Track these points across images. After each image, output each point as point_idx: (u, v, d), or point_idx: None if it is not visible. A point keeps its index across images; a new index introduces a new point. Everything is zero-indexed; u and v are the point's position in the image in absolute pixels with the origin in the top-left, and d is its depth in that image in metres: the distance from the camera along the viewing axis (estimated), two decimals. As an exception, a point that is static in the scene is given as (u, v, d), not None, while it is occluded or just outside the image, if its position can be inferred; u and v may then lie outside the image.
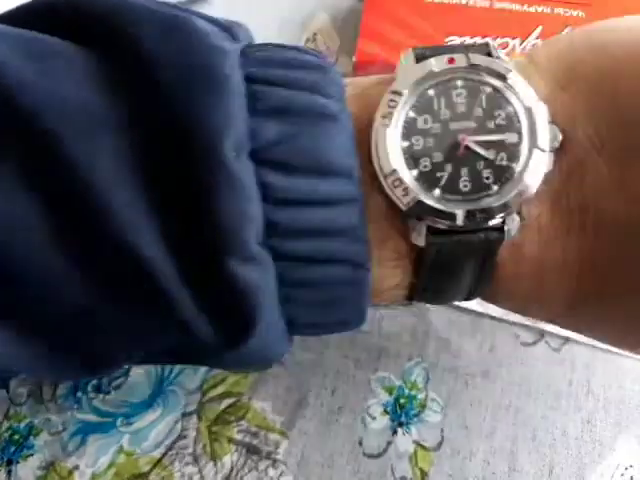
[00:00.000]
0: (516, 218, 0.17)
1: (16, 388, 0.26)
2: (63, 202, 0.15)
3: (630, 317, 0.18)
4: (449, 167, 0.17)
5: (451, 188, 0.17)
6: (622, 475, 0.24)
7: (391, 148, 0.17)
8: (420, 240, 0.17)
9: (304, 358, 0.26)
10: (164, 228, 0.16)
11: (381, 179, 0.17)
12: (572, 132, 0.17)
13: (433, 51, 0.18)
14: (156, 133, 0.16)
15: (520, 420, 0.25)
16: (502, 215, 0.17)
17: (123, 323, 0.17)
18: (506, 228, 0.17)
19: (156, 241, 0.16)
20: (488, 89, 0.17)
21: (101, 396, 0.26)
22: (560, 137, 0.17)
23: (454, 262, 0.18)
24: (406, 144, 0.17)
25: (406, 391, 0.25)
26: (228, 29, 0.18)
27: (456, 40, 0.28)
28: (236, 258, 0.15)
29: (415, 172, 0.17)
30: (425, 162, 0.17)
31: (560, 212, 0.17)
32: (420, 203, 0.17)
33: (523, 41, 0.28)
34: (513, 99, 0.17)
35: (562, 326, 0.20)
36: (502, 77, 0.17)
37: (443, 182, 0.17)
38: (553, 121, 0.17)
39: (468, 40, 0.28)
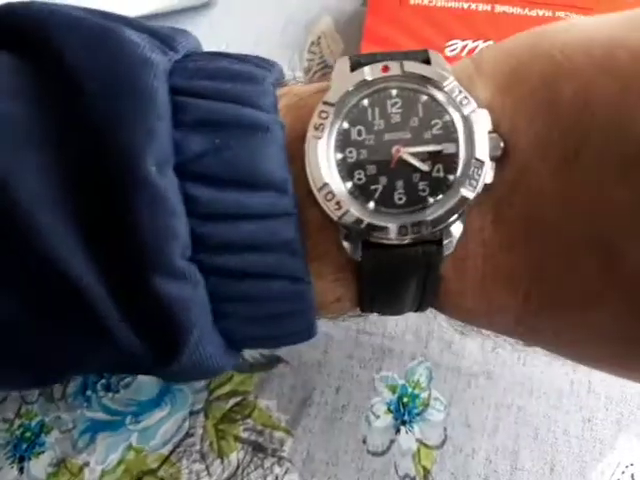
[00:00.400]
0: (455, 231, 0.16)
1: (27, 387, 0.27)
2: None
3: (582, 332, 0.17)
4: (383, 179, 0.16)
5: (386, 201, 0.16)
6: (623, 473, 0.24)
7: (323, 160, 0.16)
8: (356, 254, 0.16)
9: (309, 357, 0.26)
10: (89, 245, 0.15)
11: (315, 192, 0.16)
12: (515, 140, 0.16)
13: (368, 59, 0.17)
14: (80, 147, 0.16)
15: (522, 419, 0.25)
16: (439, 228, 0.16)
17: (55, 340, 0.17)
18: (445, 242, 0.16)
19: (82, 257, 0.15)
20: (424, 98, 0.17)
21: (110, 395, 0.26)
22: (502, 145, 0.16)
23: (394, 276, 0.17)
24: (340, 156, 0.16)
25: (409, 390, 0.26)
26: (164, 39, 0.17)
27: (458, 44, 0.28)
28: (161, 274, 0.15)
29: (349, 185, 0.16)
30: (359, 175, 0.16)
31: (504, 225, 0.16)
32: (353, 217, 0.16)
33: (525, 45, 0.29)
34: (450, 107, 0.16)
35: (518, 340, 0.19)
36: (438, 85, 0.17)
37: (377, 195, 0.16)
38: (495, 128, 0.16)
39: (470, 44, 0.28)
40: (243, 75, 0.17)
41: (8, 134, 0.15)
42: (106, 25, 0.17)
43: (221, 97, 0.16)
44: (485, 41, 0.28)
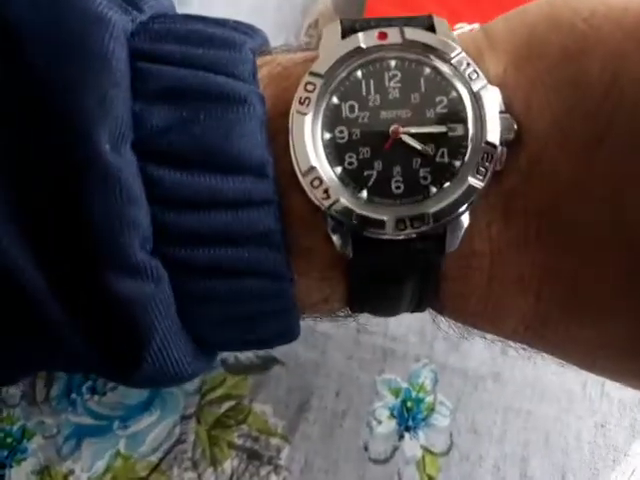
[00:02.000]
0: (460, 226, 0.15)
1: (8, 389, 0.25)
2: None
3: (598, 340, 0.16)
4: (379, 165, 0.15)
5: (381, 190, 0.15)
6: (638, 481, 0.24)
7: (310, 140, 0.15)
8: (346, 250, 0.15)
9: (306, 359, 0.26)
10: (32, 235, 0.14)
11: (299, 177, 0.15)
12: (529, 122, 0.15)
13: (363, 24, 0.16)
14: (20, 120, 0.14)
15: (532, 424, 0.24)
16: (442, 223, 0.15)
17: (3, 344, 0.16)
18: (447, 238, 0.15)
19: (23, 250, 0.14)
20: (427, 70, 0.15)
21: (96, 398, 0.25)
22: (515, 127, 0.15)
23: (387, 275, 0.16)
24: (328, 136, 0.15)
25: (413, 394, 0.25)
26: None
27: (465, 28, 0.27)
28: (116, 270, 0.14)
29: (339, 170, 0.15)
30: (350, 158, 0.15)
31: (515, 219, 0.15)
32: (343, 207, 0.15)
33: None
34: (457, 82, 0.15)
35: (524, 345, 0.18)
36: (444, 56, 0.15)
37: (371, 182, 0.15)
38: (507, 108, 0.15)
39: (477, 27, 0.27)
40: (218, 39, 0.16)
41: None
42: None
43: (190, 63, 0.15)
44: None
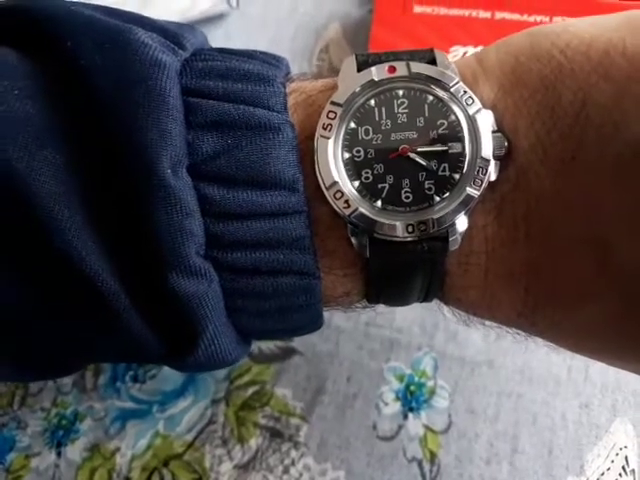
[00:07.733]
0: (460, 228, 0.17)
1: (62, 379, 0.28)
2: (6, 220, 0.15)
3: (580, 324, 0.17)
4: (390, 178, 0.17)
5: (393, 199, 0.17)
6: (617, 455, 0.26)
7: (332, 159, 0.16)
8: (364, 251, 0.17)
9: (322, 349, 0.28)
10: (107, 242, 0.16)
11: (324, 190, 0.17)
12: (516, 140, 0.16)
13: (375, 59, 0.18)
14: (95, 148, 0.16)
15: (522, 405, 0.26)
16: (445, 226, 0.16)
17: (70, 333, 0.17)
18: (450, 239, 0.16)
19: (99, 254, 0.16)
20: (430, 98, 0.17)
21: (138, 385, 0.28)
22: (505, 145, 0.16)
23: (400, 271, 0.18)
24: (347, 155, 0.17)
25: (416, 379, 0.27)
26: (174, 37, 0.18)
27: (460, 50, 0.30)
28: (177, 272, 0.16)
29: (357, 183, 0.17)
30: (367, 174, 0.17)
31: (506, 222, 0.17)
32: (361, 215, 0.16)
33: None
34: (456, 108, 0.17)
35: (518, 330, 0.19)
36: (444, 85, 0.17)
37: (384, 193, 0.17)
38: (500, 128, 0.16)
39: (471, 49, 0.29)
40: (253, 75, 0.17)
41: (26, 134, 0.15)
42: (118, 26, 0.17)
43: (232, 98, 0.17)
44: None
